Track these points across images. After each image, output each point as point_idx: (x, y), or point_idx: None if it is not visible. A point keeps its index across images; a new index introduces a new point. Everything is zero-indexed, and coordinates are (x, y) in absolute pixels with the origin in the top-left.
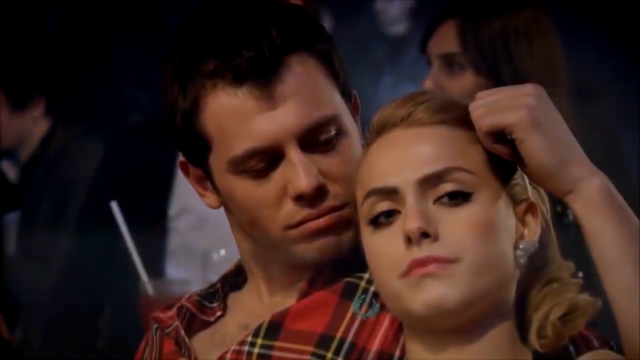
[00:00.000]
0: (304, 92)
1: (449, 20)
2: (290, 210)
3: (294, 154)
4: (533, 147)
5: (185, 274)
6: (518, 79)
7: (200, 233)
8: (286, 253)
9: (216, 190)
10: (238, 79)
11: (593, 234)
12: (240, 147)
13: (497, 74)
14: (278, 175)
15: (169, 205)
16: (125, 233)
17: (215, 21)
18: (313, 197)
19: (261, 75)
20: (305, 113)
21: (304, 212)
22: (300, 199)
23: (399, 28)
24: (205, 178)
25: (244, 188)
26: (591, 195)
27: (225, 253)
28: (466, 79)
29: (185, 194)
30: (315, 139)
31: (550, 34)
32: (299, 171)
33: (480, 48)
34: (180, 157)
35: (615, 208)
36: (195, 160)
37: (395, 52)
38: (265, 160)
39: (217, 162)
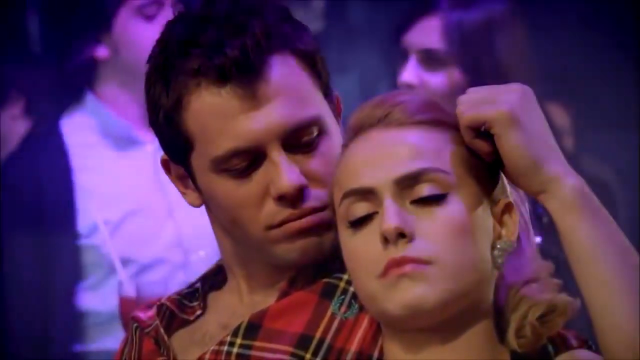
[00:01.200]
0: (287, 93)
1: (430, 15)
2: (271, 211)
3: (277, 154)
4: (510, 142)
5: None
6: (499, 73)
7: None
8: (267, 253)
9: (198, 189)
10: (222, 78)
11: (567, 233)
12: (222, 146)
13: (478, 69)
14: (260, 175)
15: None
16: (105, 234)
17: (199, 20)
18: (295, 198)
19: (245, 75)
20: (289, 113)
21: (286, 212)
22: (282, 199)
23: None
24: (186, 176)
25: (225, 187)
26: (565, 195)
27: (205, 254)
28: (448, 74)
29: None
30: (298, 139)
31: (523, 29)
32: (281, 171)
33: (464, 44)
34: (162, 156)
35: (589, 208)
36: (177, 159)
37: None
38: (248, 159)
39: (199, 161)
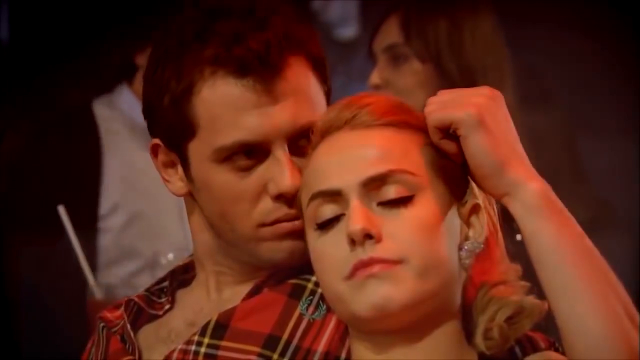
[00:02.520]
0: (301, 94)
1: (392, 15)
2: (266, 208)
3: (281, 153)
4: (474, 144)
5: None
6: (463, 69)
7: (133, 232)
8: (249, 251)
9: (189, 177)
10: (241, 70)
11: (531, 237)
12: (230, 137)
13: (441, 64)
14: (261, 171)
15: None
16: (73, 237)
17: (219, 10)
18: (292, 198)
19: (266, 70)
20: (300, 114)
21: (281, 211)
22: (279, 197)
23: (348, 30)
24: (175, 164)
25: (224, 178)
26: (528, 198)
27: (173, 257)
28: (412, 70)
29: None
30: (301, 141)
31: (491, 25)
32: (285, 170)
33: (422, 36)
34: (153, 141)
35: (553, 211)
36: (173, 144)
37: (345, 54)
38: (251, 154)
39: (200, 148)
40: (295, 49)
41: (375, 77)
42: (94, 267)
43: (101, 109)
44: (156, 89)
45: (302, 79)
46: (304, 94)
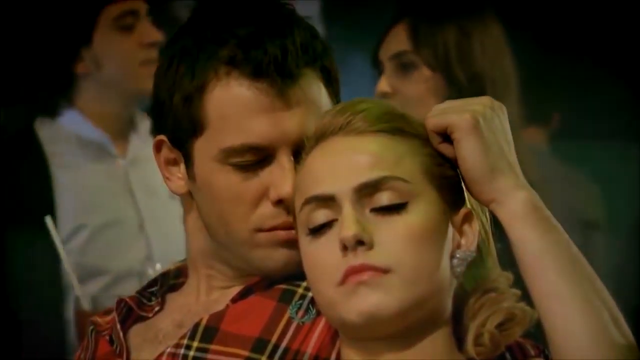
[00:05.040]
0: (312, 104)
1: (398, 24)
2: (265, 214)
3: (286, 159)
4: (466, 147)
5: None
6: (471, 78)
7: (96, 247)
8: (241, 256)
9: (191, 176)
10: (257, 73)
11: (518, 243)
12: (238, 138)
13: (450, 73)
14: (264, 175)
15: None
16: (60, 248)
17: (239, 11)
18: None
19: (282, 76)
20: (308, 124)
21: (280, 219)
22: (279, 203)
23: None
24: (178, 162)
25: (226, 179)
26: (515, 205)
27: (161, 268)
28: (421, 78)
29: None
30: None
31: (499, 35)
32: (287, 176)
33: (432, 44)
34: (158, 137)
35: (539, 218)
36: (178, 142)
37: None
38: (257, 157)
39: (206, 147)
40: (310, 60)
41: (384, 85)
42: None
43: (43, 131)
44: (168, 85)
45: (314, 89)
46: (314, 104)
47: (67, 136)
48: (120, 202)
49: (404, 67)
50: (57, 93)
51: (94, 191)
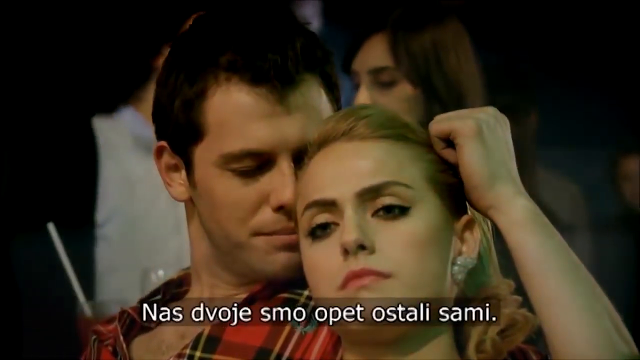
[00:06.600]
0: (312, 110)
1: (376, 35)
2: (265, 219)
3: (286, 165)
4: (468, 153)
5: (121, 292)
6: (451, 90)
7: (131, 240)
8: (242, 260)
9: (191, 182)
10: (257, 79)
11: (517, 249)
12: (238, 144)
13: (430, 86)
14: (264, 180)
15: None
16: (63, 254)
17: (237, 19)
18: (292, 211)
19: (282, 81)
20: (309, 129)
21: (280, 224)
22: (280, 209)
23: None
24: (178, 168)
25: (226, 184)
26: (514, 212)
27: (164, 274)
28: (400, 93)
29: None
30: (304, 157)
31: (470, 47)
32: (288, 182)
33: (412, 60)
34: (159, 143)
35: (538, 224)
36: (179, 148)
37: None
38: (257, 163)
39: (205, 153)
40: (310, 66)
41: (365, 98)
42: (90, 275)
43: (100, 122)
44: (168, 91)
45: (315, 95)
46: (315, 110)
47: (120, 130)
48: (159, 199)
49: (384, 83)
50: (134, 83)
51: (135, 183)
